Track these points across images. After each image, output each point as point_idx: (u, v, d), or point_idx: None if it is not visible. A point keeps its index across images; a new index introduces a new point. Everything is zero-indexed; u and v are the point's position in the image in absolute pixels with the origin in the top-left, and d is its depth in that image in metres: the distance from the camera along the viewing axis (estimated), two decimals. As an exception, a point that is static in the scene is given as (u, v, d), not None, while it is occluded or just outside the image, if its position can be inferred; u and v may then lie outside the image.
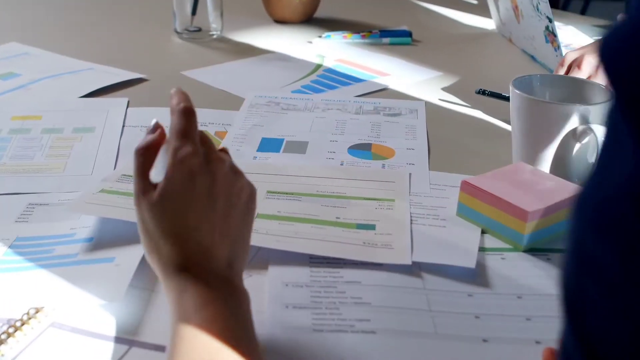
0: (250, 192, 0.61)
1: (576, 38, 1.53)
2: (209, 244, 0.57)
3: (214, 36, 1.55)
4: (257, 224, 0.79)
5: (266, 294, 0.71)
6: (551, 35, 1.29)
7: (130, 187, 0.86)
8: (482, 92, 1.19)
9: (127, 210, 0.80)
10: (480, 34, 1.64)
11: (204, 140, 0.60)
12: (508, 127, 1.09)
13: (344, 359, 0.63)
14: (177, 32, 1.54)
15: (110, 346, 0.63)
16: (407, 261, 0.75)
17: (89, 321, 0.66)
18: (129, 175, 0.91)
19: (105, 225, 0.80)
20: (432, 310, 0.70)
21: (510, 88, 0.91)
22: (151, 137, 0.61)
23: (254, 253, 0.77)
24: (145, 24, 1.69)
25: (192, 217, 0.56)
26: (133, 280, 0.70)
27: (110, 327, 0.65)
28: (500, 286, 0.74)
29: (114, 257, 0.75)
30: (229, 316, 0.54)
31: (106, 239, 0.78)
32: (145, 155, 0.60)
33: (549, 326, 0.67)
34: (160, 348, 0.63)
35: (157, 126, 0.62)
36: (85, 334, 0.65)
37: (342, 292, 0.72)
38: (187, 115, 0.59)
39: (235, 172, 0.61)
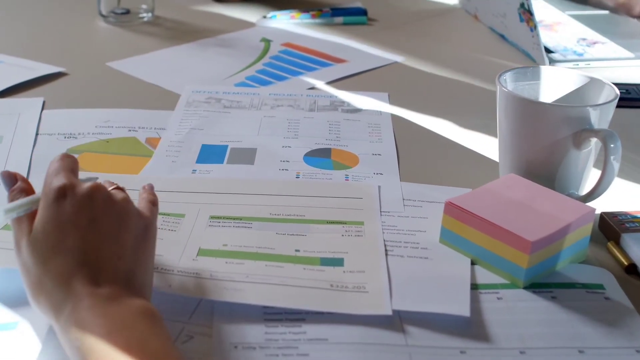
0: (145, 219, 0.59)
1: (548, 13, 1.40)
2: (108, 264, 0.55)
3: (145, 19, 1.37)
4: (200, 265, 0.65)
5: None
6: (526, 14, 1.15)
7: None
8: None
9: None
10: (442, 10, 1.50)
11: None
12: (490, 125, 0.95)
13: None
14: (102, 16, 1.36)
15: None
16: (387, 310, 0.61)
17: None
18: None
19: (5, 275, 0.64)
20: None
21: (497, 85, 0.77)
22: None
23: (195, 306, 0.62)
24: (64, 7, 1.48)
25: (70, 240, 0.54)
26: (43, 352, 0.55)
27: None
28: (499, 338, 0.60)
29: (16, 321, 0.59)
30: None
31: (7, 295, 0.62)
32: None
33: None
34: None
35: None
36: None
37: (304, 355, 0.57)
38: (65, 158, 0.60)
39: (116, 201, 0.58)
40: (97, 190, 0.56)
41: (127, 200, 0.58)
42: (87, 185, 0.56)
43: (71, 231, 0.54)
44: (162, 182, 0.80)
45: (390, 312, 0.61)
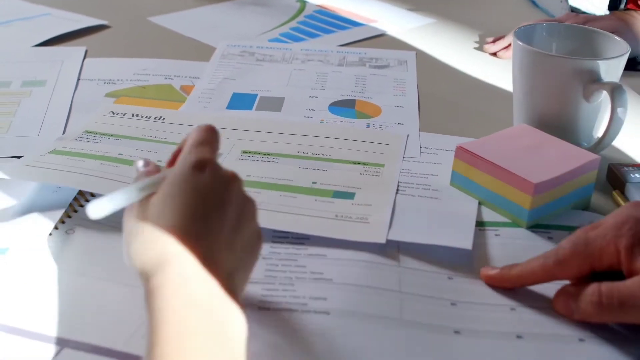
0: (258, 231, 0.54)
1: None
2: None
3: (187, -22, 1.42)
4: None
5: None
6: (555, -22, 1.17)
7: (90, 146, 0.78)
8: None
9: (71, 174, 0.71)
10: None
11: None
12: (510, 86, 0.98)
13: (286, 342, 0.54)
14: (146, -27, 1.41)
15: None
16: (381, 239, 0.65)
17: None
18: (93, 133, 0.81)
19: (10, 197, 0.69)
20: (403, 291, 0.60)
21: (512, 39, 0.80)
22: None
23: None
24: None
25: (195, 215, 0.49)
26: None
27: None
28: (487, 269, 0.64)
29: (6, 247, 0.62)
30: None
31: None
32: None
33: (535, 318, 0.58)
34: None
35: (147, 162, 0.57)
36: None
37: (301, 267, 0.62)
38: (210, 131, 0.55)
39: (248, 199, 0.54)
40: (236, 180, 0.53)
41: (255, 208, 0.54)
42: (228, 170, 0.53)
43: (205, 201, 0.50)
44: (199, 117, 0.87)
45: (384, 241, 0.64)
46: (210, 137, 0.54)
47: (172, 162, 0.55)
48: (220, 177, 0.51)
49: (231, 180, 0.52)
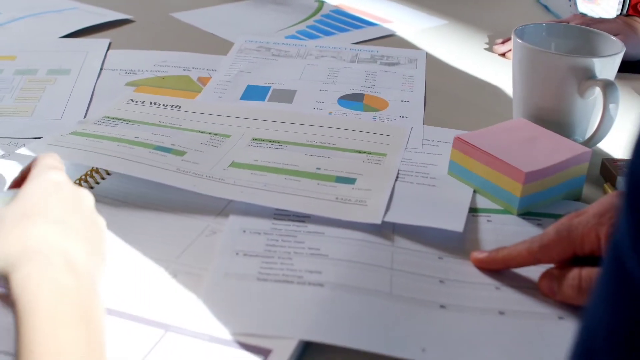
0: (104, 252, 0.56)
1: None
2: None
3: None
4: (228, 174, 0.74)
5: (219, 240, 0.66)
6: (565, -17, 1.20)
7: (108, 129, 0.83)
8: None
9: (89, 152, 0.75)
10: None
11: None
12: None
13: (281, 310, 0.58)
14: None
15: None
16: (377, 220, 0.68)
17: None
18: (112, 118, 0.86)
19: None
20: (394, 268, 0.63)
21: (512, 37, 0.84)
22: None
23: (224, 205, 0.71)
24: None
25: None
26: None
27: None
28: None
29: None
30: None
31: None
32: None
33: (518, 297, 0.61)
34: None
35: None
36: None
37: (300, 242, 0.66)
38: (56, 158, 0.59)
39: (99, 216, 0.57)
40: (89, 196, 0.57)
41: (104, 226, 0.58)
42: (82, 188, 0.57)
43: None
44: (214, 107, 0.91)
45: (379, 222, 0.68)
46: (58, 163, 0.58)
47: (18, 184, 0.57)
48: (76, 190, 0.55)
49: (86, 195, 0.56)
